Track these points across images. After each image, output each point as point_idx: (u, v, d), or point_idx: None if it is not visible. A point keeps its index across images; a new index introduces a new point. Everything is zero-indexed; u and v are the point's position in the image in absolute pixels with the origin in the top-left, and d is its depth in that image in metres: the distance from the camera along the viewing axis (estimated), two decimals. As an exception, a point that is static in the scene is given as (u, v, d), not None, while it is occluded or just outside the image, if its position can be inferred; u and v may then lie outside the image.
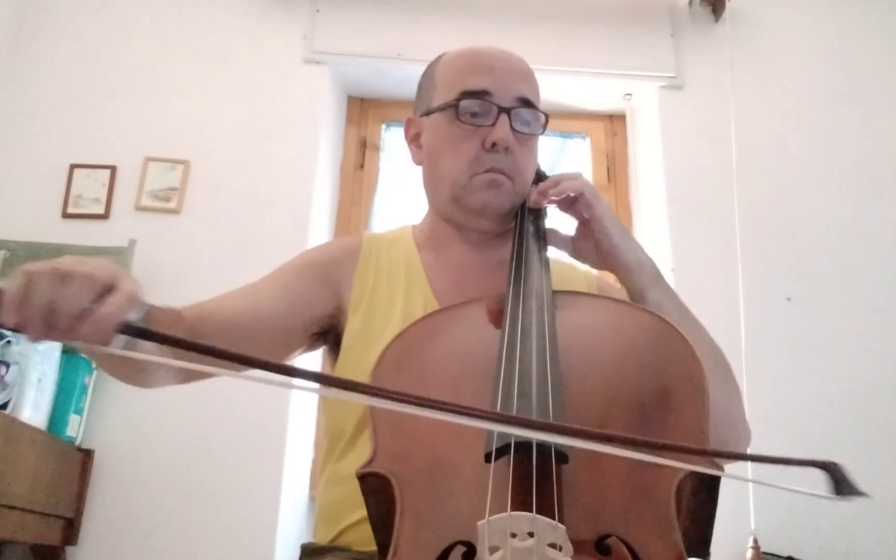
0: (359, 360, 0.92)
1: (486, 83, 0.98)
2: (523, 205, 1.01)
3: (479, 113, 0.98)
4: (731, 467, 0.73)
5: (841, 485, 0.56)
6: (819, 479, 0.57)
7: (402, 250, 1.05)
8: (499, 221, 1.02)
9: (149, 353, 0.68)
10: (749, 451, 0.95)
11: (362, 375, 0.80)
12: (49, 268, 0.60)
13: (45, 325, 0.59)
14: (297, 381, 0.58)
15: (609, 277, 1.07)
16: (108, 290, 0.61)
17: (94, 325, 0.59)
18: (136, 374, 0.84)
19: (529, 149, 1.01)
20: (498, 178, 0.97)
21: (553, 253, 1.01)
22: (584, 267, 1.10)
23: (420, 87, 1.10)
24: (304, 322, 0.97)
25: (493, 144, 0.96)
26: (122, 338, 0.61)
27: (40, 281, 0.59)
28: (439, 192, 1.03)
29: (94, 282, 0.60)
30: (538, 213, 1.02)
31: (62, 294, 0.59)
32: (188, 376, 0.91)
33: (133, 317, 0.62)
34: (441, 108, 1.01)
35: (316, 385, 0.63)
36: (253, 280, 1.02)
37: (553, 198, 0.97)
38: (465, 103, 0.98)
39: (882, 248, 2.14)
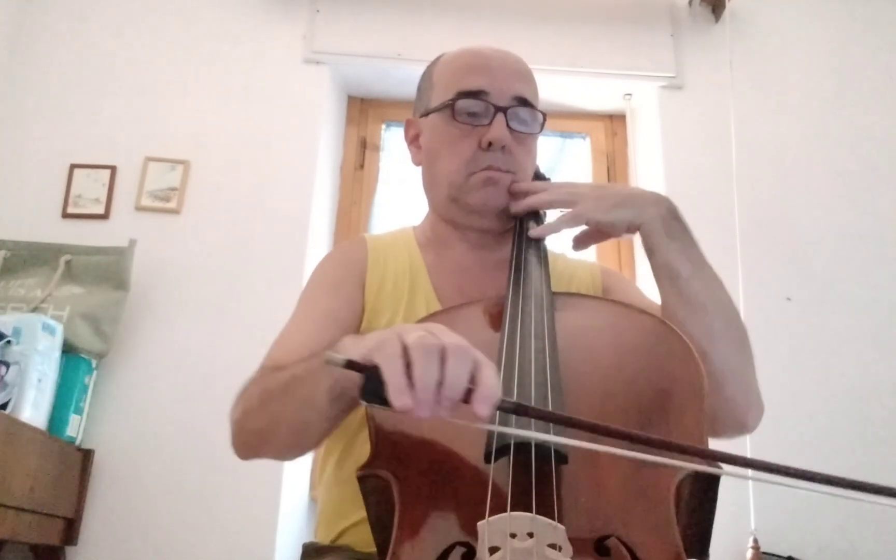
0: None
1: (482, 83, 0.98)
2: None
3: (475, 112, 0.98)
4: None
5: None
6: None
7: (405, 251, 1.05)
8: (497, 220, 1.02)
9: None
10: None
11: None
12: (421, 343, 0.57)
13: (435, 405, 0.57)
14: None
15: (614, 264, 1.07)
16: (477, 365, 0.58)
17: (480, 402, 0.57)
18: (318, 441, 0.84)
19: (527, 148, 1.01)
20: (495, 175, 0.97)
21: (559, 246, 1.01)
22: (588, 260, 1.10)
23: (419, 88, 1.10)
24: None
25: (490, 144, 0.96)
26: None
27: (422, 358, 0.57)
28: (438, 192, 1.03)
29: (469, 356, 0.58)
30: (537, 214, 1.02)
31: (446, 373, 0.57)
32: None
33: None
34: (438, 109, 1.01)
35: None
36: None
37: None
38: (461, 103, 0.98)
39: (882, 248, 2.14)
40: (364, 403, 0.59)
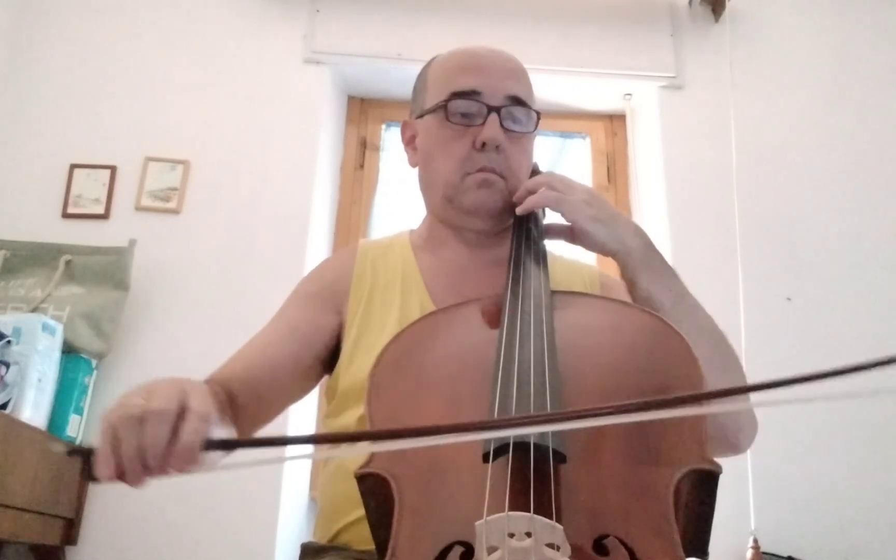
0: (357, 366, 0.92)
1: (475, 83, 0.98)
2: None
3: (468, 113, 0.98)
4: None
5: None
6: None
7: (398, 255, 1.05)
8: (493, 221, 1.02)
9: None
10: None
11: (360, 381, 0.80)
12: (124, 414, 0.62)
13: (142, 469, 0.62)
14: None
15: (612, 269, 1.07)
16: (181, 416, 0.62)
17: (181, 457, 0.61)
18: None
19: (522, 147, 1.01)
20: (490, 177, 0.97)
21: (556, 246, 1.01)
22: (588, 263, 1.10)
23: (414, 89, 1.10)
24: (316, 352, 0.98)
25: (484, 144, 0.96)
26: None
27: (122, 429, 0.61)
28: (433, 194, 1.04)
29: (166, 416, 0.61)
30: (535, 212, 1.02)
31: (144, 437, 0.61)
32: None
33: (213, 432, 0.63)
34: (432, 110, 1.01)
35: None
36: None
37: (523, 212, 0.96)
38: (454, 104, 0.98)
39: (882, 248, 2.14)
40: (90, 482, 0.66)
